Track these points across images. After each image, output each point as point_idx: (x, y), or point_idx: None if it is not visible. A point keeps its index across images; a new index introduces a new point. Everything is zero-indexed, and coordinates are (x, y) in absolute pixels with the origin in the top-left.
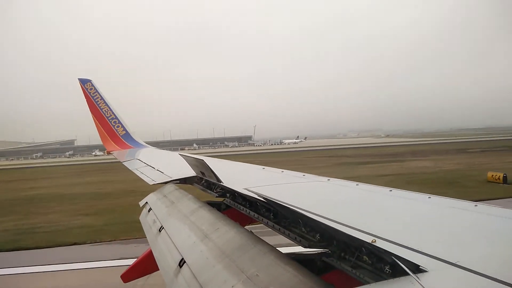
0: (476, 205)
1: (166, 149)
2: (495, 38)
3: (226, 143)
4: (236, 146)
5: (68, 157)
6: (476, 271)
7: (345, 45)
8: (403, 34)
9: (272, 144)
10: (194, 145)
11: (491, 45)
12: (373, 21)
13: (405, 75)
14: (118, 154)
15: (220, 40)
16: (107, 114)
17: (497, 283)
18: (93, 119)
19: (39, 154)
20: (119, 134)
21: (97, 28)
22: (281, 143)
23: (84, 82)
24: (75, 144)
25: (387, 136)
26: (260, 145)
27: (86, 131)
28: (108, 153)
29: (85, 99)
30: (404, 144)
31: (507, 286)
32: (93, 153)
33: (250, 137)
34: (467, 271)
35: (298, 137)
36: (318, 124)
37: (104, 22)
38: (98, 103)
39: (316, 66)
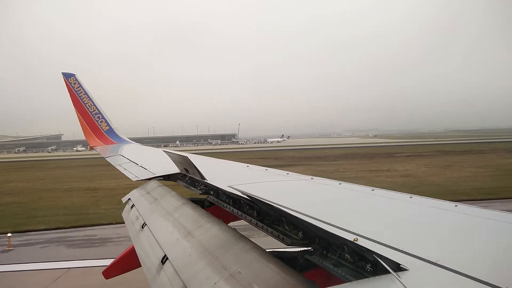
0: (456, 205)
1: (149, 146)
2: (492, 36)
3: (209, 140)
4: (219, 144)
5: (49, 152)
6: (455, 270)
7: (346, 42)
8: (399, 32)
9: (255, 143)
10: (177, 142)
11: (489, 43)
12: (369, 19)
13: (404, 74)
14: (101, 149)
15: (210, 40)
16: (91, 109)
17: (476, 281)
18: (77, 113)
19: (21, 149)
20: (103, 130)
21: (87, 26)
22: (265, 141)
23: (67, 77)
24: (62, 139)
25: (375, 136)
26: (243, 143)
27: (74, 126)
28: (91, 148)
29: (69, 94)
30: (368, 146)
31: (485, 285)
32: (75, 148)
33: (234, 135)
34: (446, 270)
35: (282, 136)
36: (316, 123)
37: (94, 20)
38: (81, 97)
39: (313, 64)
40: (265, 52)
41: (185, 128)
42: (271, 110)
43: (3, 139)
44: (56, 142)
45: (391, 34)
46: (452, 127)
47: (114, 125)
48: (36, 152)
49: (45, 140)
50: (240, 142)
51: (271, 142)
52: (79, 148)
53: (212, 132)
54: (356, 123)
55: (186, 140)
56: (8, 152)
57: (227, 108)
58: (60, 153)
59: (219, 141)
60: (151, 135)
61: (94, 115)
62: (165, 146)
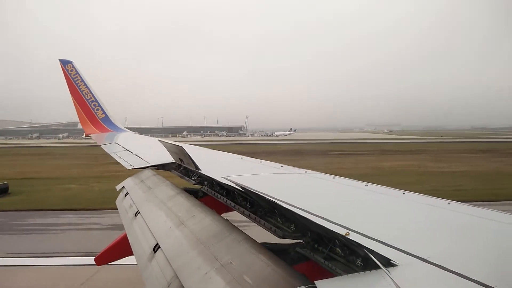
0: (449, 203)
1: (158, 136)
2: None
3: (216, 132)
4: (225, 136)
5: (60, 139)
6: (444, 267)
7: (371, 35)
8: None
9: (261, 135)
10: (184, 133)
11: None
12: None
13: (433, 70)
14: (97, 137)
15: (223, 35)
16: (87, 96)
17: (463, 279)
18: (73, 101)
19: (35, 135)
20: (99, 117)
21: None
22: (271, 134)
23: (65, 64)
24: (78, 126)
25: (390, 132)
26: (248, 136)
27: None
28: (87, 135)
29: (65, 81)
30: (347, 142)
31: (473, 283)
32: (83, 136)
33: (240, 127)
34: (436, 267)
35: (290, 129)
36: (341, 117)
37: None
38: (78, 85)
39: (340, 58)
40: (285, 47)
41: (195, 119)
42: (293, 104)
43: (20, 125)
44: (70, 129)
45: (413, 26)
46: (482, 124)
47: (110, 113)
48: (48, 138)
49: (61, 127)
50: (247, 135)
51: (277, 135)
52: (86, 136)
53: (221, 123)
54: (381, 118)
55: (194, 131)
56: (23, 138)
57: (241, 100)
58: (69, 140)
59: (225, 133)
60: (160, 125)
61: (90, 103)
62: (172, 136)
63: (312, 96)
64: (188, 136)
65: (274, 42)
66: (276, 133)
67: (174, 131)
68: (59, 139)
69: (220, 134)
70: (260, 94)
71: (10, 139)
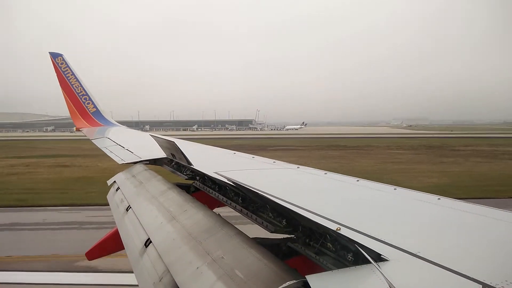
0: (439, 199)
1: (169, 130)
2: None
3: (226, 125)
4: (235, 130)
5: (71, 132)
6: (434, 262)
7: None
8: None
9: (271, 129)
10: (194, 127)
11: None
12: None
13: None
14: (88, 131)
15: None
16: (78, 90)
17: (454, 274)
18: (63, 94)
19: (50, 128)
20: (89, 111)
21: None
22: (282, 128)
23: (55, 57)
24: None
25: (409, 127)
26: (258, 130)
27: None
28: (77, 129)
29: (55, 74)
30: (344, 137)
31: (462, 277)
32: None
33: (251, 121)
34: (426, 262)
35: (303, 123)
36: (369, 110)
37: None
38: (68, 78)
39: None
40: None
41: (206, 113)
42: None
43: (40, 118)
44: None
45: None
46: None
47: (101, 107)
48: (63, 131)
49: None
50: (257, 129)
51: (287, 130)
52: (77, 130)
53: (233, 117)
54: (414, 112)
55: (205, 124)
56: (39, 131)
57: (257, 94)
58: (80, 133)
59: (234, 127)
60: (171, 119)
61: (81, 97)
62: (183, 130)
63: (336, 89)
64: (199, 129)
65: (290, 30)
66: (287, 127)
67: (186, 125)
68: (71, 131)
69: (230, 128)
70: (280, 87)
71: (27, 131)
